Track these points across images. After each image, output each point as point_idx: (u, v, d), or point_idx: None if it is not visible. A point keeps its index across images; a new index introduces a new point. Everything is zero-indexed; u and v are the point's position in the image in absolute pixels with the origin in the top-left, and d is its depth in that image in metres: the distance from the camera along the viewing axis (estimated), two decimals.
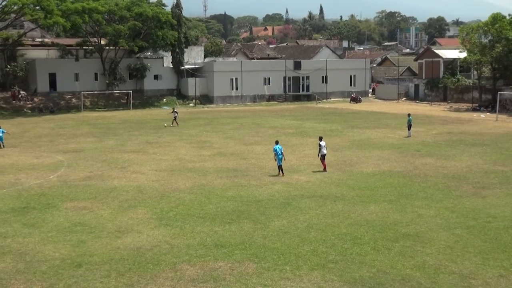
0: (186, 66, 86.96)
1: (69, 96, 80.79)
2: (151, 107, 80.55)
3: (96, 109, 77.03)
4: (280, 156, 29.50)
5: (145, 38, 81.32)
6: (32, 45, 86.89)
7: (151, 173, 30.71)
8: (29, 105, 76.55)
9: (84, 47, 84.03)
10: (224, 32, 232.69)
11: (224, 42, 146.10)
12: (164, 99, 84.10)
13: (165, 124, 53.94)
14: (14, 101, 76.86)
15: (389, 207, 22.85)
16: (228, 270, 16.08)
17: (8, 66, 79.29)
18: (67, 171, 31.60)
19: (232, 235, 19.26)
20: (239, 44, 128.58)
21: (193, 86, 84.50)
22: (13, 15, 75.73)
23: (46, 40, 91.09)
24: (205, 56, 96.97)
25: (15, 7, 70.54)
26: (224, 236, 19.15)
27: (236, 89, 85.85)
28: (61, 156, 36.88)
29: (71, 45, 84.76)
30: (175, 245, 18.32)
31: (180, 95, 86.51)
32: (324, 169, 30.63)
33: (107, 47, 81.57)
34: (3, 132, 42.89)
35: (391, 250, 17.72)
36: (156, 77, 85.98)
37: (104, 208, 23.13)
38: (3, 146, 41.88)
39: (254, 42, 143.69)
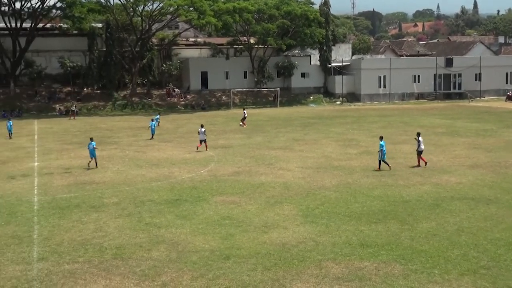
0: (334, 64, 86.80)
1: (219, 94, 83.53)
2: (298, 104, 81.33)
3: (245, 106, 78.86)
4: (384, 151, 30.36)
5: (293, 36, 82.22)
6: (186, 45, 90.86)
7: (297, 170, 30.93)
8: (182, 102, 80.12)
9: (234, 46, 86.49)
10: (372, 29, 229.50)
11: (372, 39, 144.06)
12: (311, 97, 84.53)
13: (241, 124, 54.76)
14: (168, 98, 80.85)
15: None
16: (373, 270, 15.83)
17: (164, 65, 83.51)
18: (217, 166, 32.64)
19: (378, 235, 18.93)
20: (387, 41, 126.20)
21: (340, 84, 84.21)
22: (169, 16, 79.61)
23: (198, 39, 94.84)
24: (352, 54, 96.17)
25: (171, 9, 74.12)
26: (370, 236, 18.87)
27: (384, 87, 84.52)
28: (212, 151, 38.18)
29: (222, 44, 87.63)
30: (320, 242, 18.31)
31: (327, 93, 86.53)
32: (425, 163, 31.16)
33: (256, 46, 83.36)
34: (155, 122, 45.96)
35: None
36: (303, 75, 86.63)
37: (252, 203, 23.61)
38: (153, 138, 44.83)
39: (403, 39, 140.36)
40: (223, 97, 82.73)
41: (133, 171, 31.48)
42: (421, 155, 31.33)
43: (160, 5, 75.32)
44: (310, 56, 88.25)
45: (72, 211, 22.73)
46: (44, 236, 19.38)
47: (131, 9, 76.76)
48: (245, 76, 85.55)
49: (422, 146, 31.34)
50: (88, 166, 32.62)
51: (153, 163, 33.84)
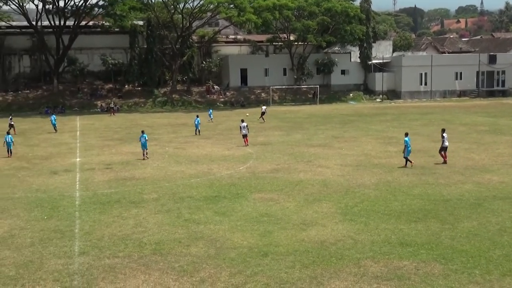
0: (374, 61, 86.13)
1: (258, 91, 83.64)
2: (337, 102, 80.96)
3: (284, 104, 78.94)
4: (409, 148, 30.54)
5: (333, 33, 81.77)
6: (225, 42, 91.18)
7: (336, 167, 30.78)
8: (222, 99, 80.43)
9: (274, 43, 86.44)
10: (413, 26, 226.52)
11: (413, 36, 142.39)
12: (351, 94, 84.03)
13: (247, 114, 57.09)
14: (208, 95, 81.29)
15: None
16: (413, 269, 15.64)
17: (204, 62, 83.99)
18: (256, 163, 32.68)
19: (418, 234, 18.70)
20: (429, 38, 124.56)
21: (380, 81, 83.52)
22: (209, 14, 79.99)
23: (238, 37, 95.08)
24: (393, 51, 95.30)
25: (211, 6, 74.41)
26: (410, 235, 18.65)
27: (425, 84, 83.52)
28: (250, 148, 38.25)
29: (261, 41, 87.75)
30: (359, 240, 18.19)
31: (367, 90, 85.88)
32: (444, 162, 31.28)
33: (296, 43, 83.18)
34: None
35: None
36: (343, 72, 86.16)
37: (290, 201, 23.58)
38: (199, 133, 46.31)
39: (446, 36, 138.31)
40: (262, 94, 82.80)
41: (173, 167, 31.74)
42: (446, 152, 31.58)
43: (201, 3, 75.76)
44: (350, 53, 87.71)
45: (113, 206, 23.04)
46: (85, 230, 19.69)
47: (172, 6, 77.30)
48: (284, 73, 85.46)
49: (446, 143, 31.55)
50: (145, 157, 34.52)
51: (193, 160, 34.06)
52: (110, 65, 79.75)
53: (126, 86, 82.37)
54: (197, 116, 48.09)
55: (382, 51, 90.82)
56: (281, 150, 37.21)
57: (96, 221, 20.86)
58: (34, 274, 15.75)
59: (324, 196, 24.24)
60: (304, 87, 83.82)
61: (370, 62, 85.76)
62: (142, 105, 76.94)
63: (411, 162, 30.65)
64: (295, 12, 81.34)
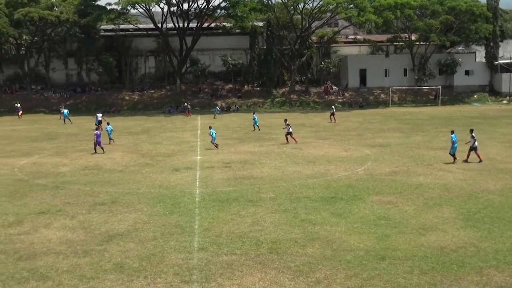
0: (501, 61, 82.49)
1: (377, 92, 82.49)
2: (460, 103, 78.33)
3: (404, 105, 77.34)
4: (455, 145, 31.98)
5: (457, 32, 79.22)
6: (345, 42, 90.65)
7: (459, 171, 29.71)
8: (340, 100, 79.93)
9: (395, 43, 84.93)
10: None
11: None
12: (475, 96, 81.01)
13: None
14: (326, 96, 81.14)
15: None
16: None
17: (323, 63, 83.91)
18: (374, 165, 32.18)
19: None
20: None
21: (507, 82, 79.93)
22: (328, 14, 79.85)
23: (358, 37, 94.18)
24: None
25: (331, 7, 74.23)
26: None
27: None
28: (368, 150, 37.73)
29: (381, 41, 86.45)
30: (482, 248, 17.44)
31: (493, 91, 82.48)
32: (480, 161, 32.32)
33: (418, 43, 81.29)
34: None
35: None
36: (467, 72, 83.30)
37: (409, 204, 23.00)
38: (259, 129, 49.71)
39: None
40: (381, 95, 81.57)
41: (290, 167, 31.88)
42: (477, 151, 32.51)
43: (320, 3, 75.77)
44: (475, 52, 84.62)
45: (231, 204, 23.45)
46: (205, 227, 20.16)
47: (292, 7, 77.89)
48: (405, 74, 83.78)
49: (476, 143, 32.66)
50: (215, 147, 39.31)
51: (310, 160, 34.06)
52: (231, 66, 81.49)
53: (245, 86, 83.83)
54: (254, 113, 52.92)
55: (510, 50, 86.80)
56: (400, 152, 36.44)
57: (215, 218, 21.31)
58: (156, 267, 16.32)
59: (445, 201, 23.45)
60: (425, 88, 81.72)
61: (496, 62, 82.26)
62: (261, 105, 78.01)
63: (456, 159, 32.03)
64: (417, 11, 79.58)
